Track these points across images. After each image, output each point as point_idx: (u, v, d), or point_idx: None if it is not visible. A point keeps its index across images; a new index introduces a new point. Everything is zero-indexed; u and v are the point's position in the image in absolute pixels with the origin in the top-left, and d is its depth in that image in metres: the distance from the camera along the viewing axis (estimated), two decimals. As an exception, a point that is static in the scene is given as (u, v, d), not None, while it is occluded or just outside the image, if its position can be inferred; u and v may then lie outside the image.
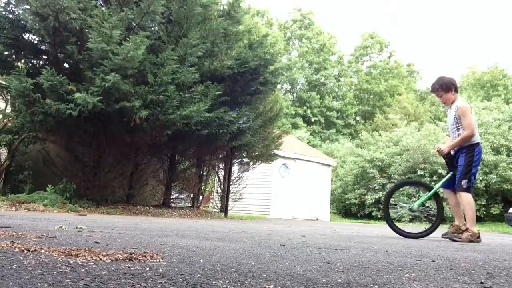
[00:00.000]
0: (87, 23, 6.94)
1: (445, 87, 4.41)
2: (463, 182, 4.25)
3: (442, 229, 4.70)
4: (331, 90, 40.81)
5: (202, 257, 1.95)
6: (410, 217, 4.71)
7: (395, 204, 5.10)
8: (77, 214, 6.33)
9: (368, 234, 5.39)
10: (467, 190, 4.27)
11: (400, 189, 4.72)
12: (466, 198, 4.30)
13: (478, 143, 4.28)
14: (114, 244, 2.29)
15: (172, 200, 10.10)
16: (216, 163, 11.56)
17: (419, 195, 5.06)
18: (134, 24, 7.70)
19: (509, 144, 18.30)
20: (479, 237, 4.27)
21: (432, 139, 19.20)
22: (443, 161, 18.34)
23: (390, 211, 4.78)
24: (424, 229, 4.61)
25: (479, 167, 4.39)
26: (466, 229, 4.31)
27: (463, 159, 4.27)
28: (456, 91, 4.44)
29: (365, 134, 25.19)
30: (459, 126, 4.32)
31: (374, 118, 36.52)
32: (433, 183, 18.24)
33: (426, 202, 4.80)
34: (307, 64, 40.77)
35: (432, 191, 4.63)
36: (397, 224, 4.77)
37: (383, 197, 18.57)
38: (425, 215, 4.62)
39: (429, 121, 30.52)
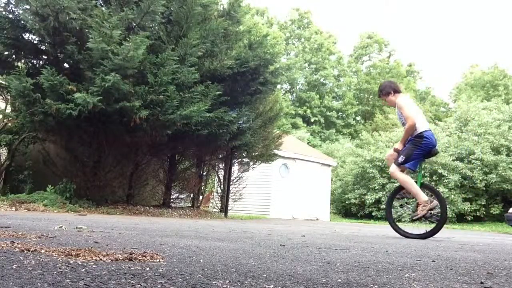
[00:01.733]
0: (87, 23, 6.94)
1: (384, 92, 4.78)
2: (400, 157, 4.48)
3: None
4: (330, 90, 40.82)
5: (202, 257, 1.95)
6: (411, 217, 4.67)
7: (402, 206, 5.14)
8: (77, 214, 6.33)
9: (368, 234, 5.39)
10: (399, 164, 4.47)
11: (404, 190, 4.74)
12: (399, 178, 4.49)
13: (423, 132, 4.46)
14: (114, 244, 2.29)
15: (172, 200, 10.09)
16: (216, 163, 11.56)
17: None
18: (134, 24, 7.70)
19: (509, 144, 18.31)
20: (431, 202, 4.39)
21: (432, 139, 19.19)
22: (443, 161, 18.27)
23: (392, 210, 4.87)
24: (425, 231, 4.61)
25: (421, 156, 4.55)
26: (418, 204, 4.47)
27: (410, 145, 4.53)
28: (396, 92, 4.73)
29: (365, 134, 25.18)
30: (402, 118, 4.63)
31: (374, 118, 36.52)
32: (432, 183, 18.17)
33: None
34: (306, 64, 40.78)
35: (418, 184, 4.66)
36: (398, 224, 4.82)
37: (385, 198, 18.59)
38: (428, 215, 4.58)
39: (429, 121, 30.51)
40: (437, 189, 4.88)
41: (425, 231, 4.60)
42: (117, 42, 6.75)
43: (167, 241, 2.63)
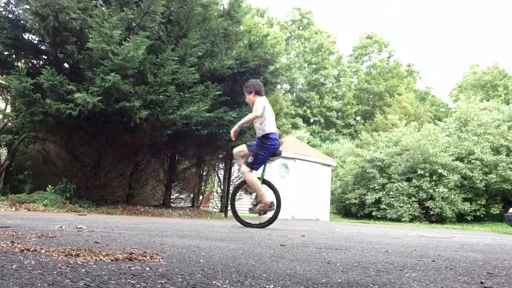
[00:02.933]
0: (87, 23, 6.94)
1: (248, 90, 5.21)
2: (250, 158, 4.86)
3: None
4: (330, 90, 40.81)
5: (202, 257, 1.95)
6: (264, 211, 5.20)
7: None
8: (77, 214, 6.33)
9: (368, 234, 5.39)
10: (248, 165, 4.85)
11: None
12: (250, 180, 4.86)
13: (269, 134, 4.90)
14: (114, 244, 2.29)
15: (172, 200, 10.09)
16: (216, 163, 11.55)
17: None
18: (134, 24, 7.70)
19: (508, 144, 18.31)
20: (271, 206, 4.89)
21: (431, 139, 19.21)
22: (443, 161, 18.30)
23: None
24: (259, 222, 5.19)
25: (267, 156, 4.97)
26: (259, 202, 4.92)
27: (257, 144, 4.96)
28: (257, 94, 5.11)
29: (365, 134, 25.19)
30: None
31: (374, 118, 36.52)
32: (432, 183, 18.16)
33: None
34: (306, 64, 40.77)
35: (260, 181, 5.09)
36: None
37: (385, 198, 18.59)
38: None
39: (429, 121, 30.53)
40: (275, 186, 5.29)
41: (259, 222, 5.20)
42: (117, 42, 6.75)
43: (167, 241, 2.63)
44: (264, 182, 5.10)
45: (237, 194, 5.58)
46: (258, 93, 5.15)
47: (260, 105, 4.95)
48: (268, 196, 4.93)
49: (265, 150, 4.88)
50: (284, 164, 15.65)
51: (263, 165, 5.05)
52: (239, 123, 5.15)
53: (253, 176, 4.88)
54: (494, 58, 70.87)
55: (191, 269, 1.59)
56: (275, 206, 4.94)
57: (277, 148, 4.95)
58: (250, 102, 5.19)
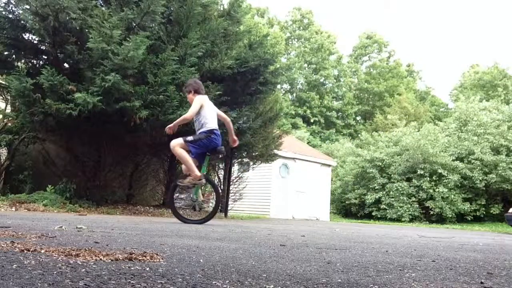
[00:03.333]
0: (87, 23, 6.93)
1: (186, 90, 5.30)
2: (190, 137, 4.94)
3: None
4: (330, 90, 40.81)
5: (202, 257, 1.95)
6: (195, 205, 5.26)
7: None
8: (77, 214, 6.33)
9: (368, 234, 5.39)
10: (185, 141, 4.89)
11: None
12: (177, 152, 4.90)
13: (213, 129, 5.00)
14: (114, 244, 2.29)
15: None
16: (216, 163, 11.55)
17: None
18: (134, 24, 7.70)
19: (508, 144, 18.31)
20: (200, 179, 4.91)
21: (431, 139, 19.22)
22: (443, 161, 18.29)
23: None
24: (205, 216, 5.25)
25: (204, 149, 5.02)
26: (189, 174, 4.92)
27: (201, 134, 4.99)
28: (196, 92, 5.19)
29: (365, 134, 25.20)
30: (199, 112, 5.07)
31: (374, 118, 36.52)
32: (432, 183, 18.15)
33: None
34: (306, 64, 40.77)
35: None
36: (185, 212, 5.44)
37: (385, 198, 18.59)
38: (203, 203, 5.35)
39: (429, 121, 30.53)
40: (216, 182, 5.41)
41: (205, 216, 5.27)
42: (117, 42, 6.75)
43: (167, 241, 2.63)
44: (204, 177, 5.12)
45: (176, 191, 5.63)
46: (197, 91, 5.21)
47: (196, 104, 5.03)
48: (197, 170, 4.91)
49: (208, 139, 4.95)
50: (284, 164, 15.65)
51: (203, 160, 5.09)
52: (175, 122, 5.14)
53: (181, 150, 4.89)
54: (494, 58, 70.79)
55: (191, 269, 1.59)
56: (204, 180, 4.98)
57: (218, 144, 5.02)
58: (190, 101, 5.23)
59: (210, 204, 13.37)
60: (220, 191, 5.41)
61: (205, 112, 5.10)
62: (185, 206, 5.45)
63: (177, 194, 5.66)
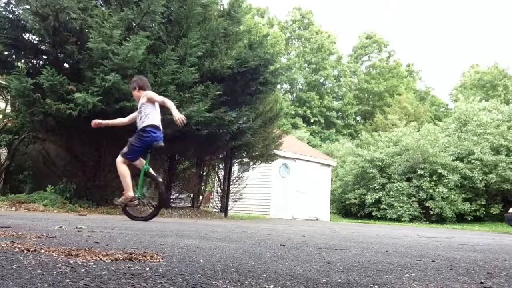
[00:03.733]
0: (87, 23, 6.93)
1: (132, 86, 5.28)
2: (125, 148, 4.94)
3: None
4: (330, 90, 40.81)
5: (202, 257, 1.95)
6: (142, 203, 5.31)
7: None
8: (77, 214, 6.33)
9: (368, 234, 5.39)
10: (122, 155, 4.94)
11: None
12: (120, 168, 4.93)
13: (147, 127, 4.97)
14: (114, 244, 2.29)
15: (172, 200, 10.09)
16: (216, 163, 11.55)
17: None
18: (134, 24, 7.69)
19: (508, 144, 18.31)
20: (132, 200, 4.93)
21: (431, 139, 19.22)
22: (443, 161, 18.21)
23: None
24: (149, 213, 5.27)
25: (142, 149, 5.02)
26: (123, 193, 4.95)
27: (133, 138, 5.01)
28: (141, 89, 5.17)
29: (365, 134, 25.20)
30: (141, 110, 5.06)
31: (374, 118, 36.52)
32: (432, 183, 18.13)
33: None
34: (306, 64, 40.77)
35: (141, 173, 5.18)
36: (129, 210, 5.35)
37: (385, 198, 18.58)
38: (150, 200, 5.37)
39: (429, 121, 30.53)
40: (159, 178, 5.37)
41: (149, 213, 5.28)
42: (117, 42, 6.75)
43: (167, 241, 2.63)
44: (147, 174, 5.14)
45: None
46: (141, 88, 5.18)
47: (156, 95, 5.05)
48: (132, 191, 4.92)
49: (140, 141, 4.94)
50: (284, 164, 15.65)
51: (144, 157, 5.11)
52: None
53: (123, 166, 4.91)
54: (494, 58, 70.77)
55: (191, 269, 1.59)
56: (136, 202, 4.99)
57: (153, 140, 4.96)
58: (137, 98, 5.22)
59: (211, 205, 13.38)
60: (164, 187, 5.40)
61: (151, 109, 5.06)
62: (133, 204, 5.32)
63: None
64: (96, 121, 5.29)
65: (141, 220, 5.12)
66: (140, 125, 5.01)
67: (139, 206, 5.42)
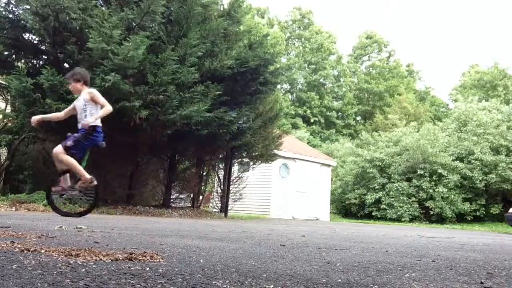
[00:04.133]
0: (87, 23, 6.94)
1: (76, 77, 5.01)
2: (69, 142, 4.73)
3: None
4: (330, 90, 40.81)
5: (202, 257, 1.95)
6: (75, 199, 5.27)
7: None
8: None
9: (368, 234, 5.39)
10: (65, 148, 4.73)
11: None
12: (64, 160, 4.74)
13: (97, 127, 4.87)
14: (114, 244, 2.29)
15: (172, 200, 10.09)
16: (216, 163, 11.55)
17: None
18: (134, 24, 7.70)
19: (508, 144, 18.31)
20: (91, 181, 4.83)
21: (431, 138, 19.22)
22: (443, 161, 18.14)
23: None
24: (84, 209, 5.29)
25: (92, 146, 4.94)
26: (79, 179, 4.87)
27: (81, 134, 4.82)
28: (85, 84, 5.02)
29: (365, 134, 25.19)
30: (86, 108, 4.90)
31: (374, 118, 36.52)
32: (432, 182, 18.10)
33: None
34: (305, 64, 40.76)
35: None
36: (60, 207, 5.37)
37: (385, 198, 18.59)
38: (87, 196, 5.23)
39: (429, 121, 30.53)
40: (96, 180, 5.23)
41: (84, 210, 5.29)
42: (117, 42, 6.75)
43: (167, 241, 2.63)
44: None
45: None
46: (86, 83, 5.02)
47: (101, 96, 4.93)
48: (86, 173, 4.82)
49: (89, 141, 4.83)
50: (284, 164, 15.65)
51: (83, 155, 4.98)
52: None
53: (67, 156, 4.73)
54: (494, 58, 70.69)
55: (191, 269, 1.59)
56: (95, 181, 4.90)
57: (100, 141, 4.91)
58: (75, 91, 5.00)
59: (211, 205, 13.38)
60: (100, 190, 5.36)
61: (94, 108, 4.93)
62: (66, 198, 5.27)
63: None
64: (34, 118, 5.07)
65: (74, 216, 5.06)
66: (85, 122, 4.80)
67: (68, 203, 5.36)
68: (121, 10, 7.32)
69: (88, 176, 4.82)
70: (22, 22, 7.48)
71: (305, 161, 16.52)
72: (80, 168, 4.80)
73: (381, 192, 19.01)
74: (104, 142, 4.98)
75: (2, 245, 1.87)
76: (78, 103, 4.94)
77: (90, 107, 4.90)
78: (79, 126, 4.87)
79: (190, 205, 10.46)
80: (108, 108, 4.92)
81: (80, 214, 5.13)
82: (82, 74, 5.05)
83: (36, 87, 6.82)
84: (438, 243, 4.10)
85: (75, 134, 4.81)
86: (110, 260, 1.67)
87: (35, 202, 7.00)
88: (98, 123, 4.90)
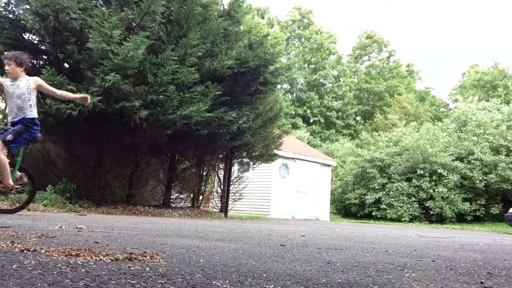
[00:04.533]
0: (87, 23, 6.94)
1: (19, 60, 4.70)
2: (9, 135, 4.55)
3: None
4: (330, 90, 40.80)
5: (202, 257, 1.95)
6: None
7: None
8: (77, 214, 6.33)
9: (368, 234, 5.39)
10: (6, 143, 4.59)
11: None
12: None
13: (35, 119, 4.75)
14: (114, 244, 2.29)
15: (172, 200, 10.09)
16: (216, 163, 11.55)
17: None
18: (134, 24, 7.70)
19: (508, 144, 18.32)
20: (11, 189, 4.74)
21: (431, 138, 19.23)
22: (443, 161, 18.12)
23: None
24: (18, 205, 5.17)
25: (31, 138, 4.80)
26: (1, 181, 4.70)
27: (22, 126, 4.64)
28: (26, 71, 4.79)
29: (365, 134, 25.19)
30: (30, 97, 4.70)
31: (374, 118, 36.52)
32: (432, 182, 18.11)
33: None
34: (305, 64, 40.76)
35: (17, 164, 4.95)
36: None
37: (385, 198, 18.59)
38: (22, 190, 5.05)
39: (429, 121, 30.53)
40: (33, 173, 5.18)
41: (18, 205, 5.20)
42: (117, 42, 6.75)
43: (167, 241, 2.63)
44: (21, 169, 4.98)
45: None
46: (25, 70, 4.80)
47: (45, 83, 4.83)
48: (11, 179, 4.69)
49: (29, 133, 4.68)
50: (284, 164, 15.65)
51: (19, 151, 4.88)
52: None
53: (3, 156, 4.61)
54: (494, 58, 70.68)
55: (191, 269, 1.59)
56: (14, 190, 4.79)
57: (38, 134, 4.81)
58: (13, 74, 4.68)
59: (211, 205, 13.38)
60: (37, 185, 5.27)
61: (35, 97, 4.75)
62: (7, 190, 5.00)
63: None
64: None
65: (8, 212, 4.91)
66: (27, 113, 4.66)
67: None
68: (121, 10, 7.32)
69: (11, 182, 4.67)
70: (22, 22, 7.47)
71: (305, 161, 16.52)
72: (7, 173, 4.63)
73: (381, 192, 19.01)
74: (40, 134, 4.85)
75: (2, 245, 1.87)
76: (17, 90, 4.65)
77: (34, 97, 4.71)
78: (16, 116, 4.65)
79: (190, 205, 10.46)
80: (64, 92, 4.97)
81: (14, 211, 4.93)
82: (26, 60, 4.80)
83: (36, 87, 6.81)
84: (438, 243, 4.10)
85: (15, 127, 4.60)
86: (110, 260, 1.67)
87: (35, 202, 6.98)
88: (36, 115, 4.76)
